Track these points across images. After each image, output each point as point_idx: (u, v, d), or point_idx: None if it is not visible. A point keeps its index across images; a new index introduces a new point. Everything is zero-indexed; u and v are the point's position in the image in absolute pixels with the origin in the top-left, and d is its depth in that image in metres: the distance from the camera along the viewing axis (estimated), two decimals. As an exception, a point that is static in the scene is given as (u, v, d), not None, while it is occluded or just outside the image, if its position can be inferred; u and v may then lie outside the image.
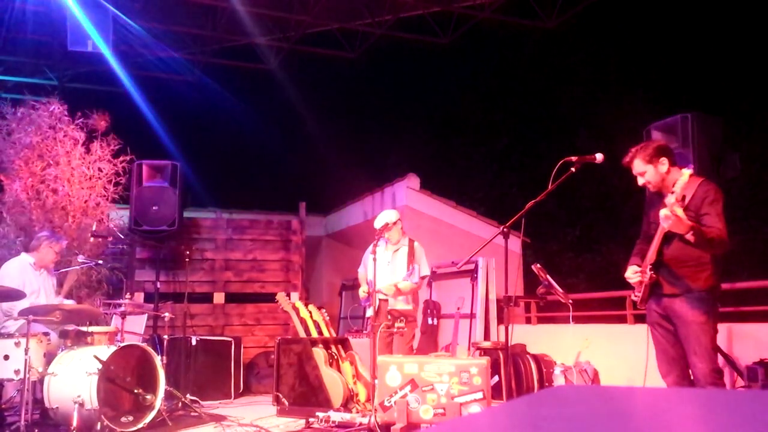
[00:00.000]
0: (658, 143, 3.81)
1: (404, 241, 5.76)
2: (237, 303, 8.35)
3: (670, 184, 3.62)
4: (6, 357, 4.69)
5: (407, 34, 10.45)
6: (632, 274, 3.78)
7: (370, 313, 5.50)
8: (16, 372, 4.64)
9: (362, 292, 5.69)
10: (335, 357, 5.85)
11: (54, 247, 5.65)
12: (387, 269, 5.60)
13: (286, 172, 14.39)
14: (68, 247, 6.65)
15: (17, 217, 6.84)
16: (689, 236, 3.44)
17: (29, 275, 5.54)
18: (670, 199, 3.41)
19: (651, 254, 3.64)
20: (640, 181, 3.74)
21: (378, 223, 5.56)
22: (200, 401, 6.21)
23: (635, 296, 3.81)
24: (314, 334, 6.10)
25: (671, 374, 3.70)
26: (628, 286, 3.92)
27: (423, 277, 5.79)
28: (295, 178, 13.87)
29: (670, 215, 3.35)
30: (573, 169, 3.77)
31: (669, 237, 3.58)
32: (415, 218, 8.48)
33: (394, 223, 5.64)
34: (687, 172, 3.47)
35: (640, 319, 6.35)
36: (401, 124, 15.94)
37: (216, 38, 10.56)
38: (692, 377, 3.62)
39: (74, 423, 4.52)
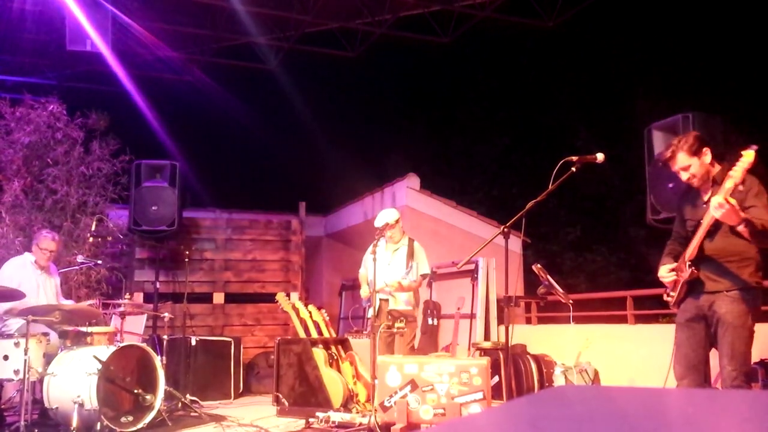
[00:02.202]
0: (696, 133, 3.62)
1: (404, 240, 5.76)
2: (237, 303, 8.35)
3: (712, 178, 3.51)
4: (5, 357, 4.68)
5: (407, 34, 10.44)
6: (666, 273, 3.66)
7: (371, 313, 5.49)
8: (16, 372, 4.63)
9: (364, 292, 5.68)
10: (335, 357, 5.84)
11: (40, 243, 5.54)
12: (387, 269, 5.59)
13: (286, 172, 14.37)
14: (66, 246, 6.65)
15: (16, 217, 6.83)
16: (741, 228, 3.29)
17: (28, 274, 5.50)
18: (728, 184, 3.23)
19: (692, 249, 3.49)
20: (684, 176, 3.56)
21: (378, 222, 5.55)
22: (200, 401, 6.20)
23: (669, 297, 3.69)
24: (314, 334, 6.09)
25: (686, 378, 3.58)
26: (628, 286, 3.88)
27: (424, 276, 5.78)
28: (295, 178, 13.87)
29: (724, 203, 3.18)
30: (573, 169, 3.73)
31: (712, 231, 3.44)
32: (415, 218, 8.47)
33: (396, 222, 5.64)
34: (751, 152, 3.24)
35: (640, 319, 6.35)
36: (401, 123, 15.94)
37: (215, 38, 10.54)
38: (721, 378, 3.50)
39: (74, 423, 4.52)
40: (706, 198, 3.57)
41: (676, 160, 3.56)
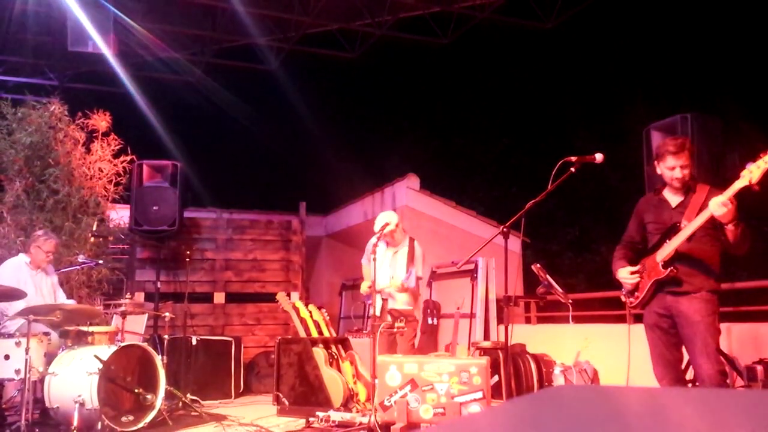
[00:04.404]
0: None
1: (405, 241, 5.76)
2: (237, 303, 8.36)
3: (686, 184, 3.65)
4: (7, 357, 4.69)
5: (407, 35, 10.46)
6: (628, 274, 3.72)
7: (372, 311, 5.49)
8: (17, 372, 4.64)
9: (365, 287, 5.66)
10: (335, 357, 5.85)
11: (42, 246, 5.54)
12: (388, 270, 5.60)
13: (286, 172, 14.39)
14: (67, 246, 6.66)
15: (18, 217, 6.85)
16: (730, 227, 3.37)
17: (24, 275, 5.51)
18: (739, 183, 3.31)
19: (668, 251, 3.55)
20: (677, 173, 3.61)
21: (377, 226, 5.55)
22: (200, 401, 6.21)
23: (631, 300, 3.75)
24: (314, 333, 6.10)
25: (666, 378, 3.64)
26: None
27: (419, 278, 5.78)
28: (295, 178, 13.89)
29: (728, 203, 3.29)
30: (573, 169, 3.73)
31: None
32: (415, 218, 8.49)
33: (396, 225, 5.63)
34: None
35: (640, 319, 6.35)
36: (401, 124, 15.95)
37: (216, 39, 10.57)
38: (697, 378, 3.56)
39: (75, 423, 4.52)
40: (675, 204, 3.67)
41: (685, 154, 3.61)
